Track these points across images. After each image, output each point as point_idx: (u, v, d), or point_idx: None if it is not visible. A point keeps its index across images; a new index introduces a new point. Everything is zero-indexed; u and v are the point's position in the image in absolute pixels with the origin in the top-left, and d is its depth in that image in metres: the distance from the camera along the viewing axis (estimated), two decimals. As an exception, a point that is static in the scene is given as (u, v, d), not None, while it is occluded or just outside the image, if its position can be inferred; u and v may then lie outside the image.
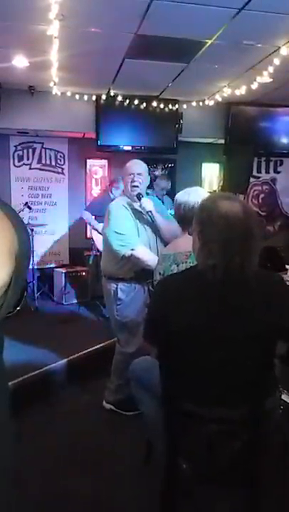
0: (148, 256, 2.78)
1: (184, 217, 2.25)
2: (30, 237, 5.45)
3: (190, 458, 1.74)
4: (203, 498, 1.97)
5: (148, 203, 2.86)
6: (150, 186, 4.29)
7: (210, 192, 4.17)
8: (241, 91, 5.10)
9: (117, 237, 2.82)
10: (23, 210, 5.45)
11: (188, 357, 1.64)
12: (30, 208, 5.60)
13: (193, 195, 2.22)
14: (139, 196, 2.87)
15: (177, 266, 2.11)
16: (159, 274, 2.20)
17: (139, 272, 2.85)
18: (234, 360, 1.60)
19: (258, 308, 1.59)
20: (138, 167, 2.95)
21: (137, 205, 2.91)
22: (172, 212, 3.56)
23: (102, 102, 5.54)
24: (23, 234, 0.79)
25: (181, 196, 2.27)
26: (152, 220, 2.84)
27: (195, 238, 1.68)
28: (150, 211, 2.84)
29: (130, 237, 2.81)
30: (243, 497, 1.72)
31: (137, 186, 2.89)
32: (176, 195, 2.33)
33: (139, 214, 2.91)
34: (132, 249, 2.79)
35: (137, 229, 2.87)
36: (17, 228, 0.76)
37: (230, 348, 1.59)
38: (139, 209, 2.90)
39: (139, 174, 2.91)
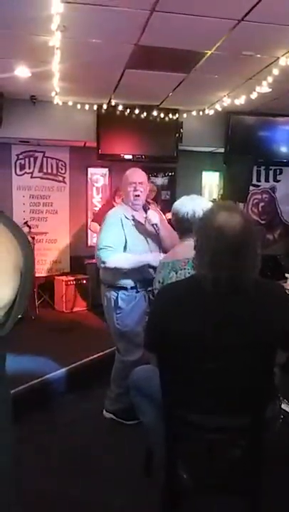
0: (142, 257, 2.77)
1: (181, 225, 2.27)
2: (32, 245, 5.46)
3: (190, 466, 1.74)
4: (204, 505, 1.96)
5: (154, 216, 2.87)
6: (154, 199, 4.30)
7: (211, 200, 4.20)
8: (241, 101, 5.14)
9: (103, 246, 2.80)
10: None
11: (188, 366, 1.64)
12: (30, 227, 5.56)
13: (189, 204, 2.24)
14: (145, 208, 2.88)
15: (176, 273, 2.12)
16: (159, 282, 2.21)
17: (140, 281, 2.86)
18: (234, 368, 1.60)
19: (257, 317, 1.60)
20: (139, 176, 2.95)
21: (137, 215, 2.91)
22: None
23: (103, 111, 5.59)
24: (27, 249, 0.80)
25: (178, 205, 2.29)
26: (157, 232, 2.85)
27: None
28: (156, 224, 2.85)
29: (116, 250, 2.79)
30: (243, 505, 1.72)
31: (139, 195, 2.89)
32: (174, 204, 2.35)
33: (139, 224, 2.91)
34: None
35: (136, 239, 2.87)
36: (21, 244, 0.77)
37: (230, 357, 1.59)
38: (139, 219, 2.91)
39: (140, 183, 2.91)
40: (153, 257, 2.76)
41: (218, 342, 1.58)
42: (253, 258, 1.59)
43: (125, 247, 2.82)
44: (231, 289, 1.57)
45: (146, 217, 2.88)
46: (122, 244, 2.82)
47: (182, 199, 2.32)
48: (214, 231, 1.58)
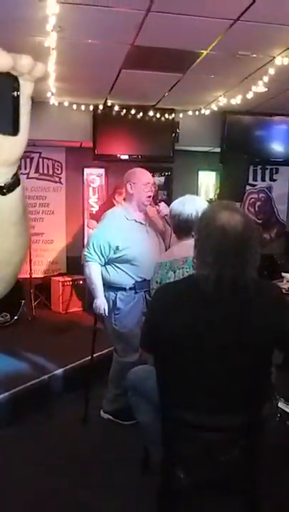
0: (99, 302, 2.86)
1: (179, 226, 2.27)
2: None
3: (187, 466, 1.74)
4: (201, 505, 1.96)
5: (165, 207, 2.88)
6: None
7: (207, 200, 4.21)
8: (237, 100, 5.15)
9: (90, 247, 2.84)
10: None
11: (185, 365, 1.64)
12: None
13: (188, 205, 2.24)
14: (156, 201, 2.96)
15: (174, 272, 2.12)
16: (156, 282, 2.21)
17: (140, 282, 2.86)
18: (231, 368, 1.60)
19: (255, 317, 1.60)
20: (150, 177, 3.01)
21: (138, 216, 2.91)
22: None
23: (99, 111, 5.58)
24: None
25: (177, 206, 2.29)
26: (169, 224, 2.85)
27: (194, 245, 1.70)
28: (167, 215, 2.85)
29: (101, 260, 2.85)
30: (241, 504, 1.72)
31: (150, 196, 2.93)
32: (172, 204, 2.34)
33: (137, 224, 2.92)
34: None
35: (133, 240, 2.87)
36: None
37: (227, 357, 1.59)
38: (140, 220, 2.91)
39: (152, 184, 2.97)
40: (100, 303, 2.86)
41: (215, 342, 1.58)
42: (254, 256, 1.60)
43: (117, 249, 2.82)
44: (232, 289, 1.57)
45: (157, 209, 2.94)
46: (112, 248, 2.82)
47: (181, 200, 2.31)
48: (217, 230, 1.58)
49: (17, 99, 0.49)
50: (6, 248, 0.61)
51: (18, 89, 0.49)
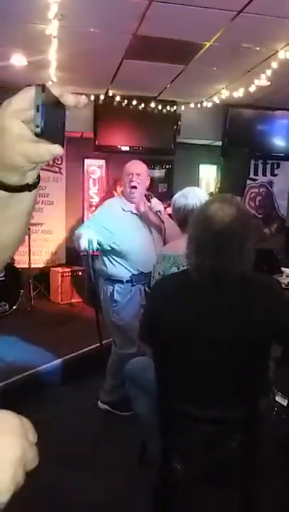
0: (83, 237, 2.72)
1: (184, 219, 2.25)
2: (27, 236, 5.45)
3: (185, 458, 1.75)
4: (198, 498, 1.98)
5: (158, 204, 2.86)
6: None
7: (208, 192, 4.20)
8: (239, 93, 5.12)
9: (85, 224, 2.90)
10: None
11: (183, 357, 1.65)
12: None
13: (191, 197, 2.23)
14: (148, 197, 2.88)
15: (178, 269, 2.11)
16: (159, 274, 2.20)
17: (136, 274, 2.86)
18: (223, 361, 1.60)
19: (246, 310, 1.60)
20: (137, 167, 2.90)
21: (131, 207, 2.90)
22: None
23: (100, 102, 5.55)
24: None
25: (179, 199, 2.27)
26: (162, 220, 2.83)
27: None
28: (159, 211, 2.83)
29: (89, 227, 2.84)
30: (239, 498, 1.73)
31: (135, 187, 2.85)
32: (174, 197, 2.32)
33: (134, 216, 2.90)
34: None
35: (129, 232, 2.86)
36: None
37: (218, 349, 1.59)
38: (134, 211, 2.90)
39: (138, 175, 2.86)
40: (84, 238, 2.73)
41: (208, 335, 1.58)
42: (240, 251, 1.57)
43: (110, 234, 2.80)
44: (215, 280, 1.58)
45: (150, 206, 2.87)
46: (104, 231, 2.79)
47: (182, 192, 2.29)
48: (202, 221, 1.60)
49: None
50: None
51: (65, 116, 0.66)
